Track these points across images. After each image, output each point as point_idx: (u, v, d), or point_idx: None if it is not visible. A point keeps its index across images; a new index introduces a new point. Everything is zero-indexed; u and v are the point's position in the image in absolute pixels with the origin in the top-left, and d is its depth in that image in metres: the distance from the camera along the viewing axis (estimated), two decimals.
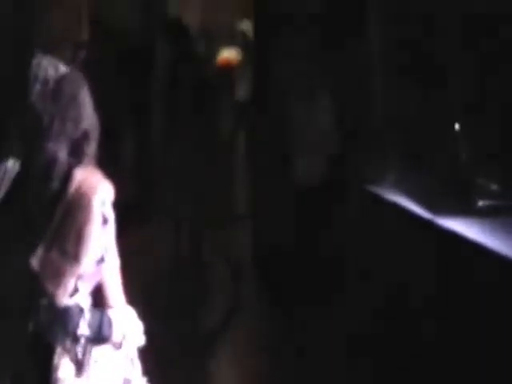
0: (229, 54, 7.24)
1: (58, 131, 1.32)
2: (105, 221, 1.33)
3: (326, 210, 4.32)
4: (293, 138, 4.50)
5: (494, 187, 2.73)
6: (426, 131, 2.81)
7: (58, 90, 1.33)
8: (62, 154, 1.32)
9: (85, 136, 1.37)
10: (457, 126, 2.51)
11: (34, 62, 1.35)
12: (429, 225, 2.38)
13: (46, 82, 1.32)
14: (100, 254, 1.33)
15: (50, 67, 1.34)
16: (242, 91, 6.82)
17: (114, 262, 1.39)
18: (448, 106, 3.25)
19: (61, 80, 1.34)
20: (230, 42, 8.15)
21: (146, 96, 5.23)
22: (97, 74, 5.73)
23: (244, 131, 6.70)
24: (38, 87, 1.31)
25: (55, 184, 1.30)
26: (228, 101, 6.79)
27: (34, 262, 1.25)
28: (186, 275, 4.83)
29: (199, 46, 7.83)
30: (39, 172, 1.30)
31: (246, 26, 8.08)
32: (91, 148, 1.39)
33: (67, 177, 1.31)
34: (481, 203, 2.47)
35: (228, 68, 6.91)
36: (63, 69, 1.37)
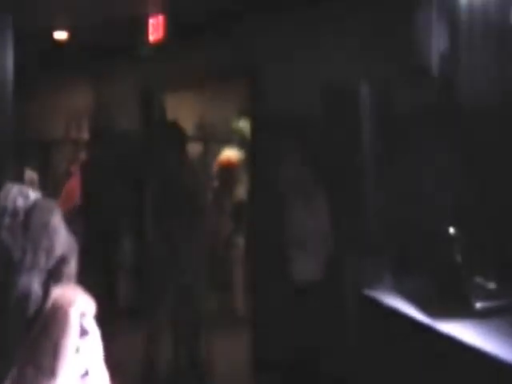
0: (229, 154, 7.37)
1: (30, 264, 1.25)
2: (84, 332, 1.27)
3: (324, 312, 4.32)
4: (291, 239, 4.56)
5: (492, 286, 2.73)
6: (420, 233, 2.86)
7: (28, 221, 1.27)
8: (36, 286, 1.25)
9: (61, 261, 1.32)
10: (451, 230, 2.55)
11: (2, 193, 1.30)
12: (427, 329, 2.38)
13: (15, 213, 1.27)
14: (83, 368, 1.27)
15: (19, 197, 1.30)
16: (241, 190, 6.92)
17: (100, 376, 1.31)
18: (441, 208, 3.34)
19: (31, 209, 1.29)
20: (228, 140, 8.34)
21: (144, 197, 5.29)
22: (95, 176, 5.83)
23: (243, 231, 6.74)
24: (6, 220, 1.26)
25: (30, 314, 1.23)
26: (227, 200, 6.89)
27: (7, 382, 1.18)
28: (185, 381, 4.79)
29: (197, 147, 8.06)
30: (13, 307, 1.23)
31: (244, 124, 8.30)
32: (70, 268, 1.35)
33: (44, 300, 1.25)
34: (479, 305, 2.47)
35: (228, 167, 6.99)
36: (33, 197, 1.32)
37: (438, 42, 3.53)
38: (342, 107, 3.38)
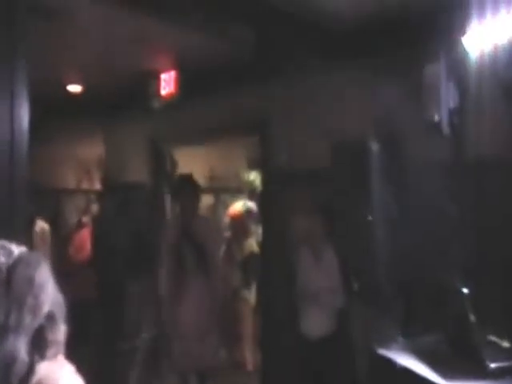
0: (239, 205, 7.39)
1: (15, 324, 1.17)
2: None
3: (333, 368, 4.26)
4: (301, 292, 4.53)
5: (506, 344, 2.69)
6: (433, 291, 2.82)
7: (11, 277, 1.20)
8: (22, 350, 1.17)
9: (49, 319, 1.25)
10: (464, 288, 2.52)
11: None
12: None
13: None
14: None
15: (2, 253, 1.23)
16: (251, 242, 6.90)
17: None
18: (453, 265, 3.32)
19: (14, 265, 1.22)
20: (238, 192, 8.39)
21: (155, 250, 5.28)
22: (106, 227, 5.84)
23: (250, 284, 6.71)
24: None
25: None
26: (237, 252, 6.87)
27: None
28: None
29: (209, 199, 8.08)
30: None
31: (254, 176, 8.36)
32: (58, 333, 1.27)
33: (28, 375, 1.17)
34: (493, 365, 2.42)
35: (237, 219, 6.99)
36: (17, 252, 1.25)
37: (447, 97, 3.56)
38: (353, 161, 3.38)
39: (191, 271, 4.94)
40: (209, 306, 4.92)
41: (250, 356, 6.71)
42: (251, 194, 7.89)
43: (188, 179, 5.23)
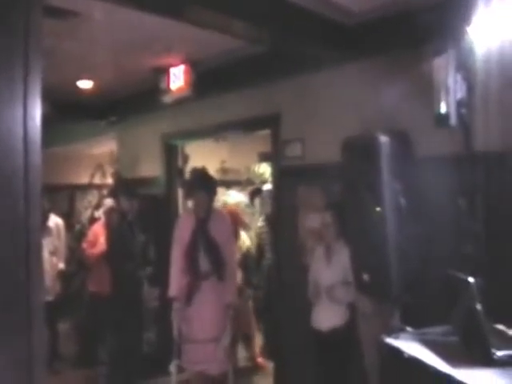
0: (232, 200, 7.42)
1: None
2: None
3: (345, 360, 4.30)
4: (313, 287, 4.58)
5: None
6: (441, 282, 2.85)
7: None
8: None
9: None
10: (471, 278, 2.55)
11: None
12: (447, 378, 2.36)
13: None
14: None
15: None
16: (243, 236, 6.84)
17: None
18: (461, 256, 3.35)
19: None
20: (250, 185, 8.44)
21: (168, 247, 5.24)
22: (120, 222, 5.83)
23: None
24: None
25: None
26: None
27: None
28: None
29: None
30: None
31: (264, 169, 8.39)
32: None
33: None
34: (499, 353, 2.45)
35: (235, 213, 6.65)
36: None
37: (455, 89, 3.57)
38: (362, 154, 3.40)
39: (204, 271, 4.81)
40: (222, 308, 4.79)
41: (258, 350, 6.78)
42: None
43: (202, 172, 5.11)
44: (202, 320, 4.76)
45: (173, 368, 4.87)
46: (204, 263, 4.82)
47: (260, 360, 6.71)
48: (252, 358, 6.72)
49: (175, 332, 4.80)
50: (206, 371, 4.82)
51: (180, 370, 4.97)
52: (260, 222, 7.20)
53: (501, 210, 3.42)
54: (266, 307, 6.61)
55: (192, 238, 4.85)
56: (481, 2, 3.38)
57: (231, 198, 7.63)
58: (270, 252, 6.44)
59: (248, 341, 6.75)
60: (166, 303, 5.17)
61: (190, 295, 4.81)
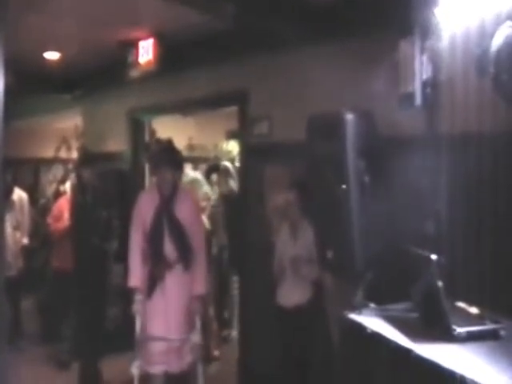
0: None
1: None
2: None
3: (309, 336, 4.36)
4: (277, 263, 4.62)
5: (474, 310, 2.78)
6: (403, 259, 2.90)
7: None
8: None
9: None
10: (433, 255, 2.59)
11: None
12: (408, 353, 2.41)
13: None
14: None
15: None
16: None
17: None
18: (424, 233, 3.41)
19: None
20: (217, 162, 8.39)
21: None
22: (85, 196, 5.75)
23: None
24: None
25: None
26: None
27: None
28: None
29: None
30: None
31: (232, 146, 8.37)
32: None
33: None
34: (460, 330, 2.51)
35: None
36: None
37: (420, 70, 3.61)
38: (327, 135, 3.42)
39: (169, 259, 4.34)
40: (189, 301, 4.36)
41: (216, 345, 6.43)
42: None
43: (167, 145, 4.67)
44: (165, 315, 4.33)
45: (135, 369, 4.29)
46: (169, 249, 4.35)
47: (216, 353, 6.34)
48: (208, 350, 6.07)
49: (137, 328, 4.34)
50: (168, 370, 4.42)
51: (143, 370, 4.42)
52: (213, 202, 6.80)
53: (463, 191, 3.48)
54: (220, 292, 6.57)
55: (155, 220, 4.36)
56: None
57: (185, 175, 7.33)
58: (223, 234, 6.37)
59: (204, 330, 6.52)
60: None
61: (151, 286, 4.35)
